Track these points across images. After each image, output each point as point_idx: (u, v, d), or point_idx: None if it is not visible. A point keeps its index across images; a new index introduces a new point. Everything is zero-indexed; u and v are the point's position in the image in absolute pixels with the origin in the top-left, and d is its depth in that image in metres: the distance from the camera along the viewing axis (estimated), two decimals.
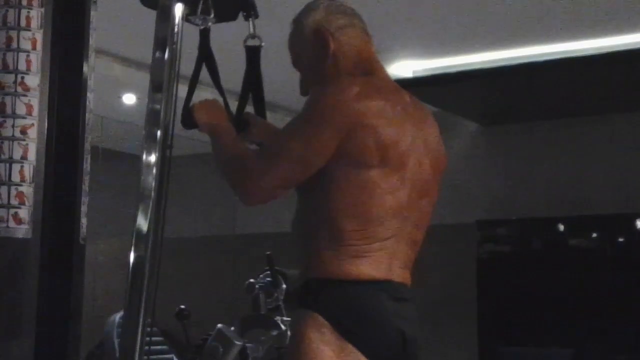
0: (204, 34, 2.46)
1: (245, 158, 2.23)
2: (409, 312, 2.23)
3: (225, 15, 2.50)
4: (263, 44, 2.49)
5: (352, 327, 2.13)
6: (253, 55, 2.51)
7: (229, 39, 2.63)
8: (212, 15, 2.41)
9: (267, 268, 2.95)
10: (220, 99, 2.49)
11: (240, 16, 2.53)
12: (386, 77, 2.40)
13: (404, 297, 2.23)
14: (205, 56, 2.47)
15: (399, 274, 2.23)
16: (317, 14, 2.35)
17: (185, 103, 2.41)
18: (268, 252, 2.98)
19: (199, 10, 2.40)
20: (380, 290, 2.17)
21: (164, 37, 2.24)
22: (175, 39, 2.24)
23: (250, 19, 2.48)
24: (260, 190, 2.18)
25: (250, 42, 2.49)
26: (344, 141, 2.14)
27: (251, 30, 2.49)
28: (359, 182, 2.15)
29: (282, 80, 2.50)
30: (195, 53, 2.59)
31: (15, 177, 2.41)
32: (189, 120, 2.39)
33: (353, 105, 2.16)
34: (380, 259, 2.18)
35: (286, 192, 2.22)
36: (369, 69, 2.35)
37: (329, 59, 2.31)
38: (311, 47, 2.34)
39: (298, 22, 2.39)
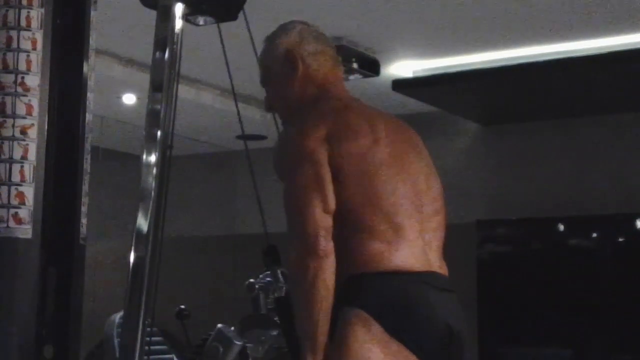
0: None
1: (296, 271, 2.22)
2: (453, 304, 2.25)
3: (225, 15, 2.50)
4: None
5: (397, 321, 2.13)
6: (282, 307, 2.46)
7: (228, 38, 2.63)
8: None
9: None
10: None
11: (241, 16, 2.53)
12: (347, 96, 2.48)
13: (447, 287, 2.25)
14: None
15: (437, 263, 2.26)
16: (290, 37, 2.44)
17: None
18: None
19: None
20: (422, 282, 2.19)
21: (164, 37, 2.24)
22: (175, 39, 2.24)
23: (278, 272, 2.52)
24: (323, 251, 2.17)
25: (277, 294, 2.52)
26: (328, 144, 2.23)
27: (280, 279, 2.52)
28: (359, 168, 2.21)
29: None
30: (195, 53, 2.59)
31: (15, 177, 2.41)
32: None
33: (313, 129, 2.25)
34: (415, 247, 2.21)
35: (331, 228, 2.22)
36: (332, 92, 2.42)
37: (296, 82, 2.39)
38: (280, 67, 2.42)
39: (271, 41, 2.47)
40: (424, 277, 2.20)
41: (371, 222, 2.19)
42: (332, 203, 2.19)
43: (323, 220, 2.18)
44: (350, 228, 2.20)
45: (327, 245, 2.16)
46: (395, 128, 2.38)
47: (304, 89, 2.41)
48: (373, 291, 2.16)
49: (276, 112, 2.52)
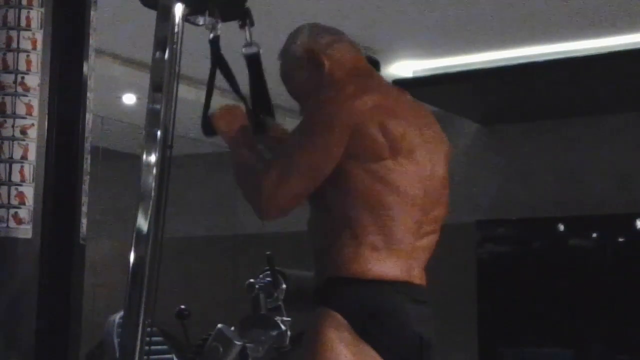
0: (214, 42, 2.45)
1: (259, 175, 2.23)
2: (426, 315, 2.24)
3: (225, 18, 2.50)
4: (261, 50, 2.48)
5: (371, 327, 2.13)
6: (252, 62, 2.50)
7: (229, 41, 2.62)
8: (219, 25, 2.42)
9: (267, 268, 2.95)
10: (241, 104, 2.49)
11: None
12: (382, 79, 2.42)
13: (423, 299, 2.24)
14: (218, 63, 2.46)
15: (418, 275, 2.25)
16: (302, 39, 2.39)
17: (204, 110, 2.42)
18: (268, 252, 2.98)
19: (206, 20, 2.40)
20: (399, 292, 2.18)
21: (164, 37, 2.24)
22: (175, 39, 2.24)
23: (246, 27, 2.48)
24: (275, 208, 2.21)
25: (248, 50, 2.49)
26: (351, 141, 2.15)
27: (247, 38, 2.49)
28: (373, 174, 2.17)
29: (281, 81, 2.49)
30: (195, 53, 2.59)
31: (15, 177, 2.41)
32: (208, 128, 2.41)
33: (352, 105, 2.17)
34: (400, 258, 2.19)
35: (301, 203, 2.24)
36: (366, 75, 2.36)
37: (326, 77, 2.34)
38: (306, 71, 2.37)
39: (286, 52, 2.42)
40: (403, 288, 2.19)
41: (365, 228, 2.17)
42: (319, 182, 2.17)
43: (303, 193, 2.19)
44: (343, 230, 2.17)
45: (283, 214, 2.21)
46: (433, 138, 2.30)
47: (337, 80, 2.33)
48: (352, 296, 2.15)
49: None
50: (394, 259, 2.18)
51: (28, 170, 2.43)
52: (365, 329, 2.12)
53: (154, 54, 2.26)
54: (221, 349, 2.57)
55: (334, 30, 2.43)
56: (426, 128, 2.30)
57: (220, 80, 2.54)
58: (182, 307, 3.16)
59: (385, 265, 2.16)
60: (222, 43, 2.46)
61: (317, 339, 2.13)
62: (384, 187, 2.17)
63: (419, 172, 2.22)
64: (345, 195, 2.17)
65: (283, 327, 2.76)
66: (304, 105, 2.42)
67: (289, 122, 2.98)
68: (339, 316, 2.13)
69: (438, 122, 2.42)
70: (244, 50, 2.48)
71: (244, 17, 2.46)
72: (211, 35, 2.44)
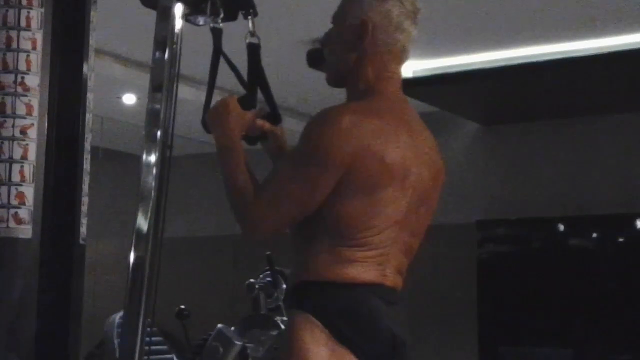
0: (216, 33, 2.45)
1: (247, 196, 2.21)
2: (398, 315, 2.25)
3: (225, 16, 2.50)
4: (259, 42, 2.48)
5: (344, 328, 2.13)
6: (254, 52, 2.49)
7: (228, 38, 2.63)
8: (221, 16, 2.40)
9: (267, 268, 2.95)
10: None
11: (240, 16, 2.53)
12: (390, 93, 2.35)
13: (394, 300, 2.24)
14: (219, 55, 2.45)
15: (391, 278, 2.24)
16: (381, 3, 2.28)
17: (205, 106, 2.41)
18: (268, 252, 2.98)
19: (208, 11, 2.39)
20: (372, 293, 2.18)
21: (164, 37, 2.24)
22: (175, 39, 2.24)
23: (249, 17, 2.47)
24: (261, 232, 2.19)
25: (250, 40, 2.48)
26: (347, 172, 2.14)
27: (250, 28, 2.48)
28: (363, 197, 2.16)
29: (283, 81, 2.49)
30: (195, 53, 2.59)
31: (15, 177, 2.41)
32: (206, 126, 2.39)
33: (347, 138, 2.14)
34: (374, 264, 2.19)
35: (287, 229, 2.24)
36: (379, 82, 2.32)
37: (353, 53, 2.28)
38: (350, 27, 2.29)
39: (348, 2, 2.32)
40: (374, 289, 2.19)
41: (346, 241, 2.16)
42: (308, 213, 2.16)
43: (290, 220, 2.18)
44: (319, 235, 2.17)
45: (270, 236, 2.18)
46: (430, 166, 2.29)
47: (360, 65, 2.29)
48: (325, 299, 2.15)
49: (322, 60, 2.37)
50: (368, 266, 2.18)
51: (28, 170, 2.43)
52: (339, 330, 2.13)
53: (154, 54, 2.26)
54: (221, 349, 2.57)
55: (411, 19, 2.31)
56: (419, 149, 2.29)
57: (220, 80, 2.55)
58: (182, 307, 3.17)
59: (358, 271, 2.17)
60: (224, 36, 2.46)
61: (291, 342, 2.13)
62: (372, 207, 2.17)
63: (406, 192, 2.22)
64: (332, 208, 2.17)
65: (283, 327, 2.77)
66: (328, 50, 2.35)
67: (288, 122, 2.97)
68: (312, 318, 2.13)
69: (438, 123, 2.41)
70: (248, 39, 2.47)
71: (248, 8, 2.45)
72: (211, 25, 2.42)
